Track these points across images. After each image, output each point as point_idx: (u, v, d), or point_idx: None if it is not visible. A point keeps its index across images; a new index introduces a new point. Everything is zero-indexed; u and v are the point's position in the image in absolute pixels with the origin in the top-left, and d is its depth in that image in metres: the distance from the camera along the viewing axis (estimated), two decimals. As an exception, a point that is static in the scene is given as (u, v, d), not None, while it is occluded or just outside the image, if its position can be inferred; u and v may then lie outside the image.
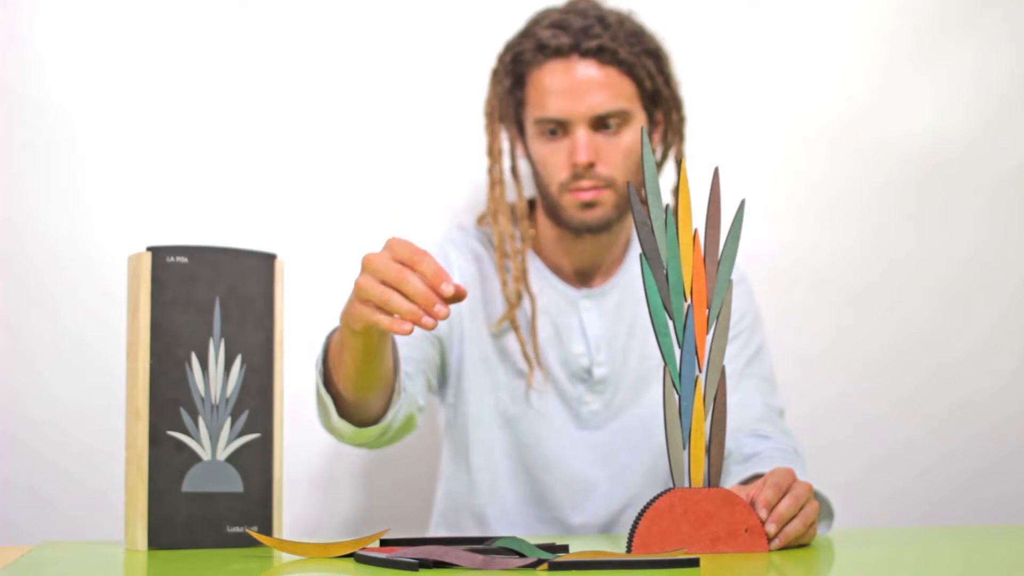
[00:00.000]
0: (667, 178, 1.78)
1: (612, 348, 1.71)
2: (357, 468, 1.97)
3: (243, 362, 1.21)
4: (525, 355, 1.68)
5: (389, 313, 1.15)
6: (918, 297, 2.20)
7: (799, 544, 1.20)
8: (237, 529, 1.20)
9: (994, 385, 2.21)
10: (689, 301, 1.11)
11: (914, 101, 2.18)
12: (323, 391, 1.38)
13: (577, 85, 1.62)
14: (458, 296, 1.13)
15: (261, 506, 1.21)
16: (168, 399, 1.18)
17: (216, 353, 1.20)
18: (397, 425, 1.49)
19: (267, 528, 1.21)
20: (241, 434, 1.21)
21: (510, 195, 1.75)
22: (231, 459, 1.20)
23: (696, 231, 1.12)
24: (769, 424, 1.61)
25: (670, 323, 1.10)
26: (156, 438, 1.17)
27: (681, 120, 1.72)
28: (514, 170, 1.73)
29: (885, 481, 2.16)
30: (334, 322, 1.92)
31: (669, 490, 1.09)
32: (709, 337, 1.12)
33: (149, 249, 1.19)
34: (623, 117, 1.64)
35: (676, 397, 1.10)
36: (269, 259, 1.24)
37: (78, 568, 1.08)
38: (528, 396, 1.70)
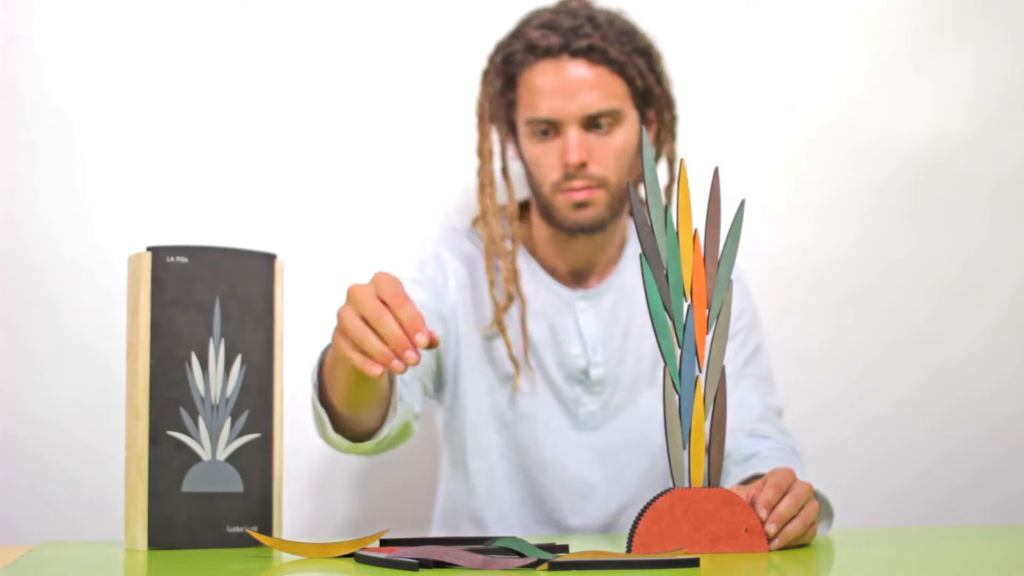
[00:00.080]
0: (660, 178, 1.78)
1: (608, 349, 1.71)
2: (357, 469, 1.97)
3: (243, 362, 1.21)
4: (511, 357, 1.68)
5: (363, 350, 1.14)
6: (918, 297, 2.20)
7: (799, 544, 1.20)
8: (237, 529, 1.20)
9: (994, 385, 2.21)
10: (689, 301, 1.11)
11: (914, 101, 2.18)
12: (318, 405, 1.37)
13: (568, 85, 1.62)
14: (432, 344, 1.12)
15: (261, 506, 1.21)
16: (168, 399, 1.18)
17: (216, 353, 1.20)
18: (394, 434, 1.49)
19: (267, 528, 1.21)
20: (241, 434, 1.21)
21: (501, 196, 1.75)
22: (231, 459, 1.20)
23: (696, 231, 1.12)
24: (767, 424, 1.61)
25: (670, 323, 1.10)
26: (156, 438, 1.17)
27: (673, 119, 1.72)
28: (505, 171, 1.73)
29: (885, 481, 2.16)
30: (334, 321, 1.93)
31: (669, 490, 1.09)
32: (709, 337, 1.12)
33: (149, 249, 1.19)
34: (614, 116, 1.64)
35: (676, 397, 1.10)
36: (269, 259, 1.24)
37: (78, 568, 1.07)
38: (517, 399, 1.70)
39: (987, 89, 2.21)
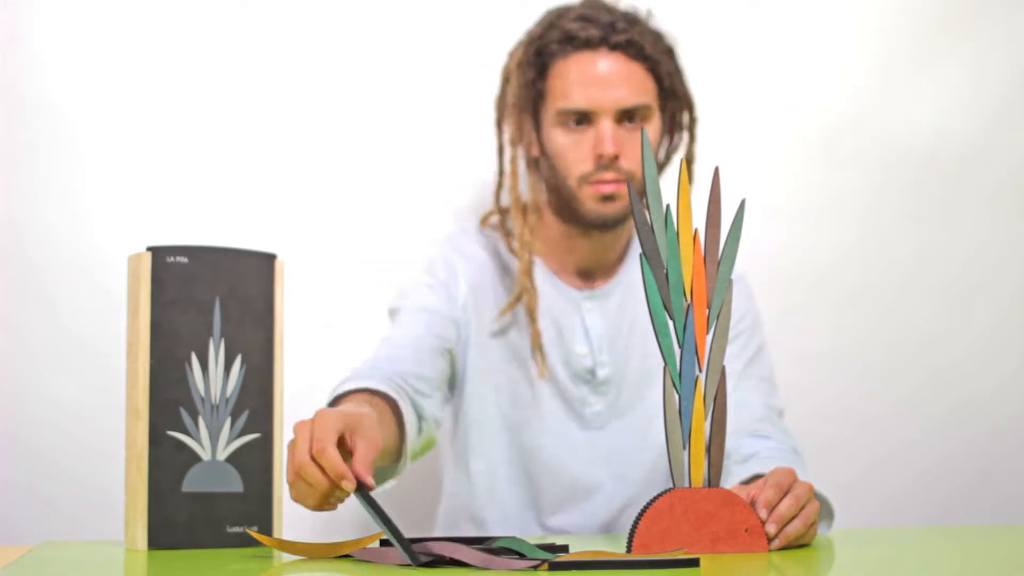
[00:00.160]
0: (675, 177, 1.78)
1: (615, 348, 1.71)
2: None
3: (243, 362, 1.21)
4: (536, 345, 1.68)
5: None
6: (918, 297, 2.20)
7: (799, 544, 1.20)
8: (237, 529, 1.20)
9: (994, 385, 2.21)
10: (689, 301, 1.11)
11: (914, 101, 2.18)
12: None
13: (605, 77, 1.63)
14: (367, 486, 1.11)
15: (261, 506, 1.21)
16: (168, 399, 1.18)
17: (216, 353, 1.20)
18: (418, 448, 1.51)
19: (267, 528, 1.21)
20: (241, 434, 1.21)
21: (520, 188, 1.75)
22: (231, 459, 1.20)
23: (696, 231, 1.12)
24: (768, 424, 1.61)
25: (670, 323, 1.10)
26: (156, 438, 1.17)
27: (694, 121, 1.73)
28: (537, 161, 1.71)
29: (885, 481, 2.16)
30: (334, 322, 1.93)
31: (669, 490, 1.09)
32: (709, 337, 1.12)
33: (149, 249, 1.19)
34: (646, 112, 1.65)
35: (676, 397, 1.10)
36: (269, 259, 1.24)
37: (78, 568, 1.07)
38: (522, 400, 1.70)
39: (987, 89, 2.21)
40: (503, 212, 1.75)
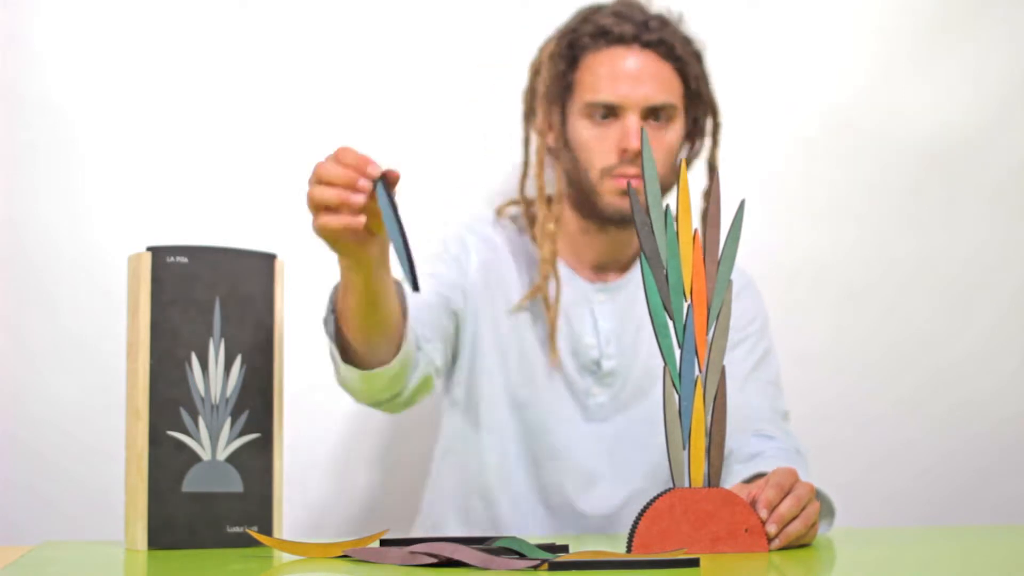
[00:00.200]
0: (701, 182, 1.78)
1: (622, 342, 1.72)
2: (357, 468, 1.97)
3: (243, 362, 1.21)
4: (552, 334, 1.69)
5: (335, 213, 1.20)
6: (918, 297, 2.20)
7: (800, 544, 1.20)
8: (237, 529, 1.20)
9: (994, 385, 2.21)
10: (689, 301, 1.11)
11: (914, 101, 2.18)
12: (330, 340, 1.41)
13: (635, 72, 1.66)
14: (391, 178, 1.18)
15: (261, 506, 1.21)
16: (168, 399, 1.18)
17: (216, 353, 1.20)
18: (414, 385, 1.52)
19: (267, 528, 1.21)
20: (241, 434, 1.21)
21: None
22: (231, 459, 1.20)
23: (696, 231, 1.12)
24: (773, 425, 1.61)
25: (670, 323, 1.10)
26: (156, 438, 1.17)
27: (717, 125, 1.75)
28: (555, 152, 1.72)
29: (885, 481, 2.16)
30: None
31: (669, 490, 1.09)
32: (709, 337, 1.12)
33: (149, 249, 1.19)
34: (671, 112, 1.68)
35: (676, 397, 1.10)
36: (269, 259, 1.24)
37: (78, 568, 1.07)
38: (530, 383, 1.70)
39: (987, 89, 2.21)
40: (528, 203, 1.76)
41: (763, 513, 1.14)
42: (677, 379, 1.10)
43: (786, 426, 1.65)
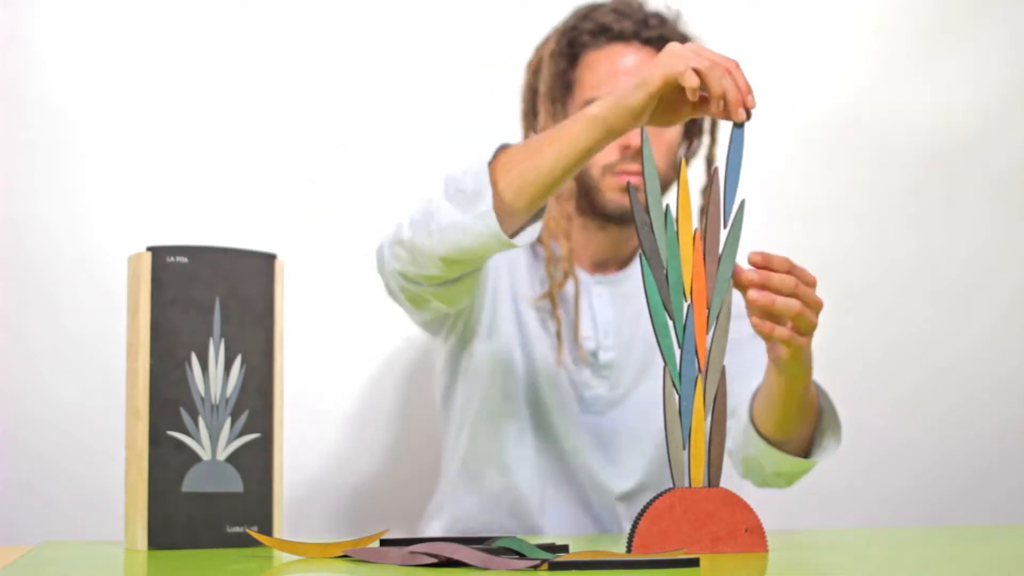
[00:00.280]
0: (701, 179, 1.78)
1: (620, 334, 1.72)
2: (357, 468, 1.97)
3: (243, 362, 1.21)
4: (558, 334, 1.68)
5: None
6: (918, 297, 2.20)
7: (798, 334, 1.21)
8: (237, 529, 1.20)
9: (994, 385, 2.21)
10: (689, 301, 1.11)
11: (914, 101, 2.18)
12: (485, 179, 1.34)
13: (635, 69, 1.66)
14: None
15: (261, 506, 1.21)
16: (168, 399, 1.18)
17: (216, 353, 1.20)
18: (455, 284, 1.52)
19: (267, 528, 1.21)
20: (241, 434, 1.21)
21: None
22: (231, 459, 1.20)
23: (696, 231, 1.12)
24: None
25: (670, 323, 1.10)
26: (156, 438, 1.17)
27: (715, 123, 1.75)
28: None
29: (885, 481, 2.16)
30: (334, 321, 1.93)
31: (669, 490, 1.09)
32: (709, 337, 1.12)
33: (149, 249, 1.19)
34: None
35: (676, 397, 1.10)
36: (269, 259, 1.24)
37: (78, 568, 1.07)
38: (534, 370, 1.70)
39: (987, 89, 2.21)
40: None
41: (751, 294, 1.14)
42: (677, 379, 1.10)
43: None
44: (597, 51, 1.69)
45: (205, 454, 1.19)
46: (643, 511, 1.08)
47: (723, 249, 1.14)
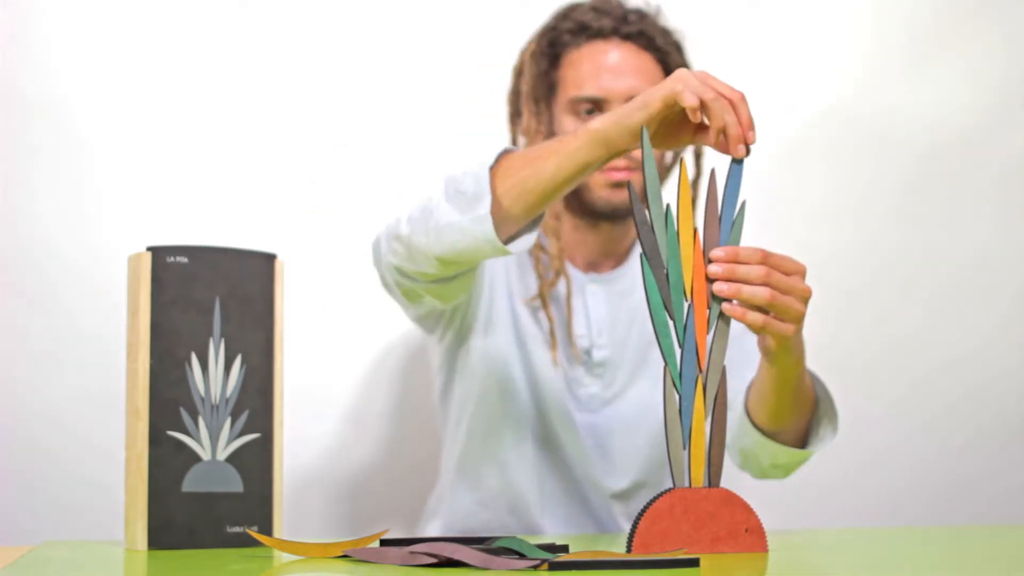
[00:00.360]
0: (689, 171, 1.79)
1: (614, 333, 1.72)
2: (357, 468, 1.97)
3: (243, 362, 1.21)
4: (552, 333, 1.69)
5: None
6: (916, 296, 2.20)
7: (781, 332, 1.20)
8: (237, 529, 1.20)
9: (994, 385, 2.21)
10: (689, 301, 1.11)
11: (913, 100, 2.18)
12: (485, 182, 1.33)
13: (617, 66, 1.67)
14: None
15: (261, 506, 1.21)
16: (168, 399, 1.18)
17: (216, 353, 1.20)
18: (451, 282, 1.52)
19: (267, 528, 1.21)
20: (241, 434, 1.21)
21: None
22: (231, 459, 1.20)
23: (696, 230, 1.12)
24: None
25: (670, 323, 1.10)
26: (156, 438, 1.17)
27: (700, 154, 1.75)
28: None
29: (883, 481, 2.16)
30: (334, 322, 1.93)
31: (669, 490, 1.09)
32: (709, 337, 1.12)
33: (149, 249, 1.19)
34: None
35: (676, 397, 1.10)
36: (269, 259, 1.24)
37: (78, 568, 1.07)
38: (531, 367, 1.70)
39: (986, 89, 2.21)
40: None
41: (712, 269, 1.12)
42: (677, 379, 1.10)
43: None
44: (578, 50, 1.70)
45: (205, 454, 1.19)
46: (643, 511, 1.08)
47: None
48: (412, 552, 0.99)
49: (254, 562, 1.07)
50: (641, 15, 1.71)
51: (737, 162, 1.18)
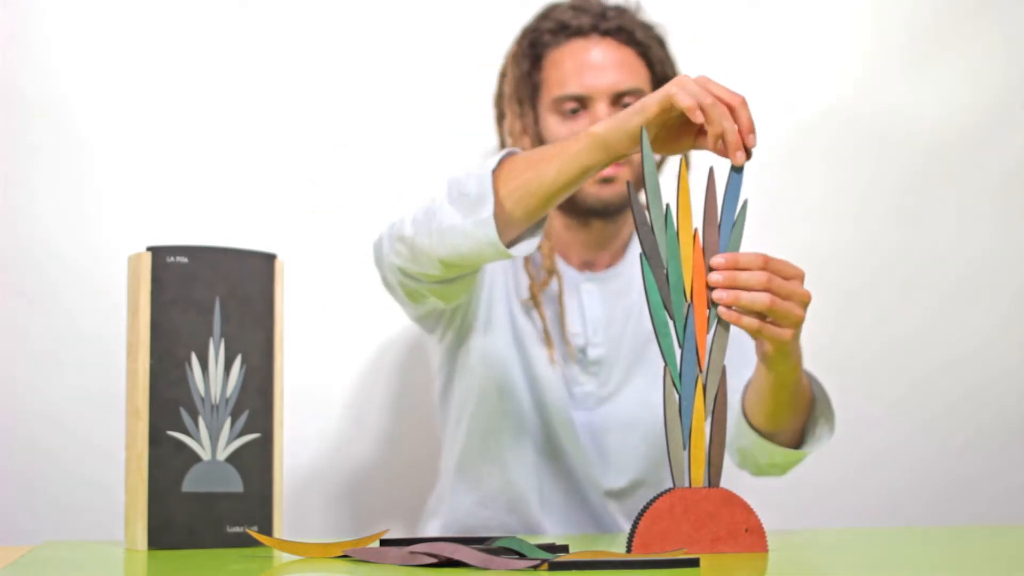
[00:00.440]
0: (672, 168, 1.79)
1: (609, 331, 1.72)
2: (356, 467, 1.97)
3: (243, 362, 1.21)
4: (545, 331, 1.68)
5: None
6: (918, 297, 2.20)
7: (779, 337, 1.19)
8: (237, 529, 1.20)
9: (994, 385, 2.21)
10: (689, 301, 1.11)
11: (913, 100, 2.18)
12: (488, 185, 1.33)
13: (598, 62, 1.68)
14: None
15: (261, 506, 1.21)
16: (168, 399, 1.18)
17: (216, 353, 1.20)
18: (453, 284, 1.52)
19: (267, 528, 1.21)
20: (241, 434, 1.21)
21: None
22: (231, 459, 1.20)
23: (696, 230, 1.12)
24: None
25: (670, 323, 1.10)
26: (156, 438, 1.17)
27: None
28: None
29: (883, 481, 2.16)
30: (334, 322, 1.93)
31: (669, 490, 1.09)
32: (709, 337, 1.12)
33: (149, 249, 1.19)
34: (639, 96, 1.67)
35: (676, 397, 1.10)
36: (269, 259, 1.24)
37: (78, 568, 1.07)
38: (528, 365, 1.69)
39: (986, 89, 2.21)
40: None
41: (712, 277, 1.12)
42: (677, 379, 1.10)
43: None
44: (559, 49, 1.70)
45: (205, 454, 1.19)
46: (643, 511, 1.08)
47: (724, 250, 1.14)
48: (412, 552, 0.99)
49: (254, 562, 1.07)
50: (620, 11, 1.72)
51: (736, 170, 1.18)
